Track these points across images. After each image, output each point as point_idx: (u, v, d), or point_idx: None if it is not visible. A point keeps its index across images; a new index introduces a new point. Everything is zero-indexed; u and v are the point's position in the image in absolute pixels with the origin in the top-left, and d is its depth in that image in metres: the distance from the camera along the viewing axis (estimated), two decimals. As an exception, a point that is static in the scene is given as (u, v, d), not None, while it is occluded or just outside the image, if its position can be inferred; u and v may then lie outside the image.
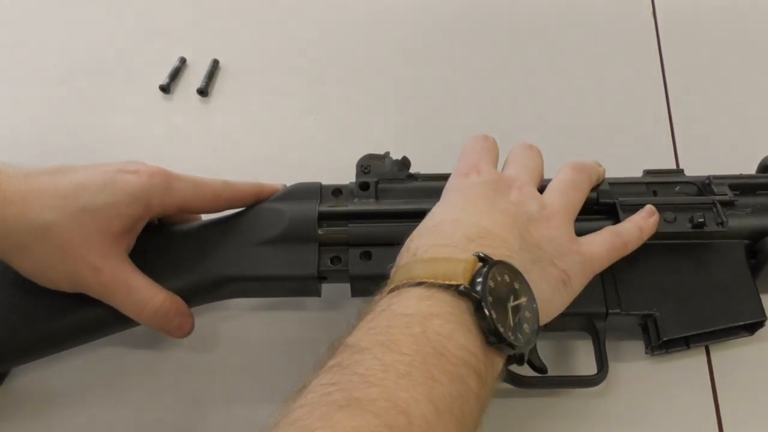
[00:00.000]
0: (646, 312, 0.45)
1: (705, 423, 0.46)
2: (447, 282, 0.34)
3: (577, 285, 0.42)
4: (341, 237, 0.47)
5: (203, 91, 0.65)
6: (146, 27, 0.70)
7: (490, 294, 0.34)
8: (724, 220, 0.46)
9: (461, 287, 0.34)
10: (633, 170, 0.51)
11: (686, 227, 0.46)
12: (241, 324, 0.52)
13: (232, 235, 0.47)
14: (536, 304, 0.37)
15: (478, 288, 0.34)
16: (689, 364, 0.48)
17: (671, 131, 0.61)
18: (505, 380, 0.44)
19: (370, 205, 0.48)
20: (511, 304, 0.35)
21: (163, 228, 0.48)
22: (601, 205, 0.47)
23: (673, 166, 0.58)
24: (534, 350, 0.43)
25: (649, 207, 0.46)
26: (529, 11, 0.70)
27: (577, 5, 0.70)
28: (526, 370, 0.44)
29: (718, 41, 0.66)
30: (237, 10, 0.72)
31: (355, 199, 0.48)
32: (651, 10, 0.69)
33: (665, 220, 0.46)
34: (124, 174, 0.43)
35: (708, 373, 0.48)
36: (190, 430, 0.48)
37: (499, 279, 0.35)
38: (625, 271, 0.46)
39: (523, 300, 0.36)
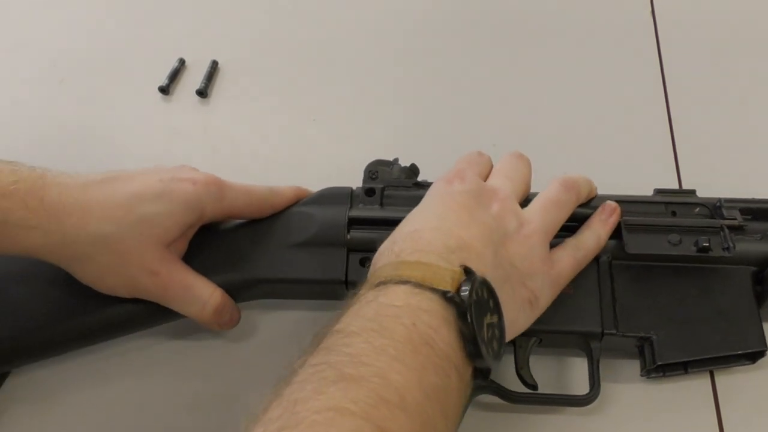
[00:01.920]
0: (643, 335, 0.44)
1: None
2: (435, 286, 0.35)
3: (543, 304, 0.43)
4: (369, 241, 0.46)
5: (202, 92, 0.65)
6: (145, 28, 0.71)
7: (473, 305, 0.35)
8: (731, 245, 0.44)
9: (449, 294, 0.35)
10: (632, 174, 0.51)
11: (691, 251, 0.45)
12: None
13: (263, 238, 0.48)
14: (504, 324, 0.38)
15: (465, 297, 0.35)
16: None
17: (671, 131, 0.60)
18: (496, 394, 0.44)
19: (376, 212, 0.48)
20: (487, 320, 0.36)
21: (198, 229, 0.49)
22: None
23: (674, 170, 0.58)
24: (526, 366, 0.44)
25: (609, 205, 0.46)
26: (530, 15, 0.70)
27: (576, 8, 0.70)
28: (517, 386, 0.44)
29: (717, 43, 0.66)
30: (236, 12, 0.72)
31: (360, 205, 0.48)
32: (650, 10, 0.69)
33: (670, 242, 0.45)
34: (179, 183, 0.44)
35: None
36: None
37: (480, 294, 0.36)
38: (625, 291, 0.45)
39: (495, 319, 0.37)
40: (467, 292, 0.35)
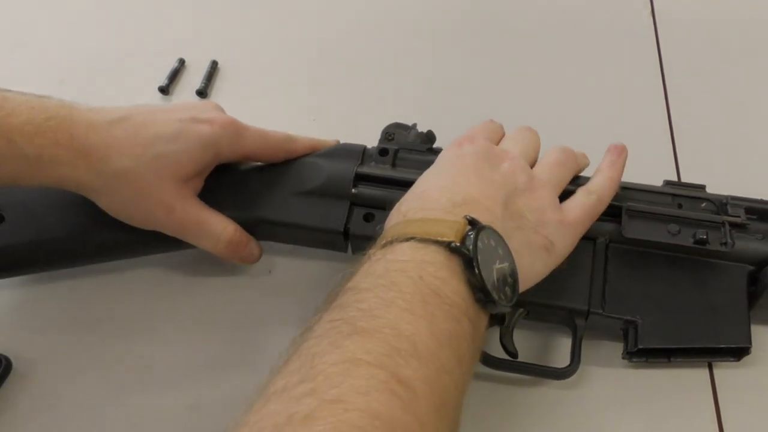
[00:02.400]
0: (628, 317, 0.45)
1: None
2: (438, 238, 0.36)
3: (562, 249, 0.43)
4: (374, 198, 0.48)
5: (202, 93, 0.65)
6: (145, 28, 0.71)
7: (479, 253, 0.35)
8: (729, 241, 0.45)
9: (453, 244, 0.36)
10: (632, 171, 0.51)
11: (688, 242, 0.45)
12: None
13: (272, 183, 0.50)
14: (516, 269, 0.39)
15: (470, 247, 0.35)
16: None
17: (671, 131, 0.61)
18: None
19: (386, 171, 0.49)
20: (496, 266, 0.37)
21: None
22: (608, 206, 0.47)
23: (673, 168, 0.58)
24: (509, 334, 0.45)
25: (615, 146, 0.47)
26: (530, 15, 0.70)
27: (576, 8, 0.70)
28: (498, 352, 0.45)
29: (717, 43, 0.66)
30: (235, 12, 0.72)
31: (372, 163, 0.50)
32: (650, 10, 0.69)
33: (669, 232, 0.46)
34: (197, 123, 0.46)
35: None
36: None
37: (486, 242, 0.36)
38: (617, 274, 0.46)
39: (505, 265, 0.38)
40: (471, 242, 0.35)
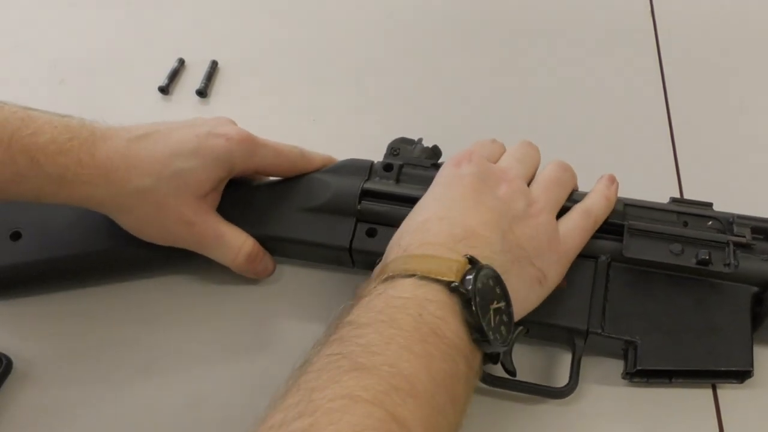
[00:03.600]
0: (628, 338, 0.44)
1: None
2: (440, 277, 0.36)
3: (553, 281, 0.43)
4: (378, 214, 0.49)
5: (202, 93, 0.65)
6: (145, 28, 0.71)
7: (477, 294, 0.36)
8: (733, 262, 0.44)
9: (453, 284, 0.36)
10: (632, 175, 0.51)
11: (690, 262, 0.44)
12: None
13: (280, 199, 0.50)
14: (512, 308, 0.39)
15: (469, 287, 0.36)
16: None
17: (671, 132, 0.61)
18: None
19: (390, 187, 0.49)
20: (493, 306, 0.37)
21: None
22: (609, 225, 0.47)
23: (673, 170, 0.58)
24: (508, 353, 0.44)
25: (607, 176, 0.48)
26: (530, 16, 0.70)
27: (576, 7, 0.70)
28: (496, 370, 0.44)
29: (717, 43, 0.66)
30: (235, 12, 0.72)
31: (377, 178, 0.50)
32: (650, 10, 0.69)
33: (671, 252, 0.45)
34: (213, 138, 0.47)
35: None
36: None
37: (484, 281, 0.37)
38: (618, 293, 0.45)
39: (502, 304, 0.38)
40: (471, 282, 0.36)
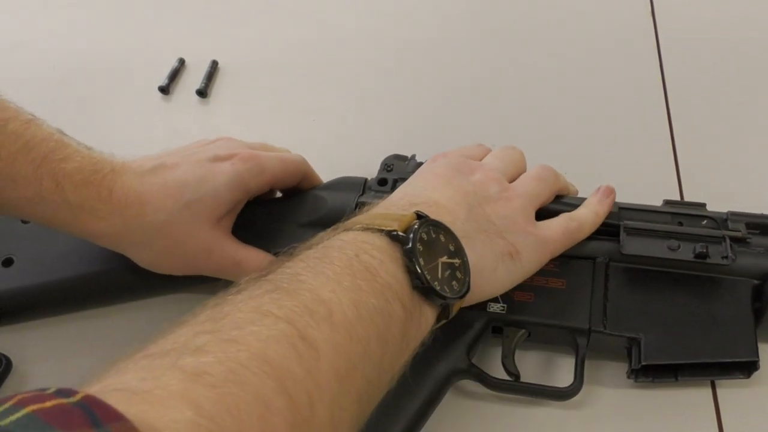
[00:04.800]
0: (631, 335, 0.44)
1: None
2: (383, 227, 0.36)
3: (529, 263, 0.43)
4: None
5: (202, 92, 0.65)
6: (145, 28, 0.71)
7: (421, 244, 0.36)
8: (730, 254, 0.44)
9: (394, 232, 0.36)
10: (632, 176, 0.51)
11: (688, 257, 0.45)
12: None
13: (278, 216, 0.51)
14: (468, 267, 0.38)
15: (411, 235, 0.36)
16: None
17: (671, 132, 0.61)
18: (478, 380, 0.45)
19: None
20: (442, 260, 0.37)
21: None
22: (605, 226, 0.47)
23: (673, 171, 0.58)
24: (510, 356, 0.44)
25: (605, 187, 0.47)
26: (530, 16, 0.70)
27: (576, 8, 0.70)
28: (500, 373, 0.45)
29: (717, 42, 0.66)
30: (236, 12, 0.72)
31: (372, 193, 0.51)
32: (650, 10, 0.69)
33: (668, 248, 0.45)
34: (219, 164, 0.47)
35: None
36: None
37: (433, 236, 0.37)
38: (618, 292, 0.45)
39: (455, 261, 0.38)
40: (414, 231, 0.36)
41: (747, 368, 0.44)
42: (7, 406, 0.21)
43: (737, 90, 0.63)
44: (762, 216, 0.47)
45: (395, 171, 0.52)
